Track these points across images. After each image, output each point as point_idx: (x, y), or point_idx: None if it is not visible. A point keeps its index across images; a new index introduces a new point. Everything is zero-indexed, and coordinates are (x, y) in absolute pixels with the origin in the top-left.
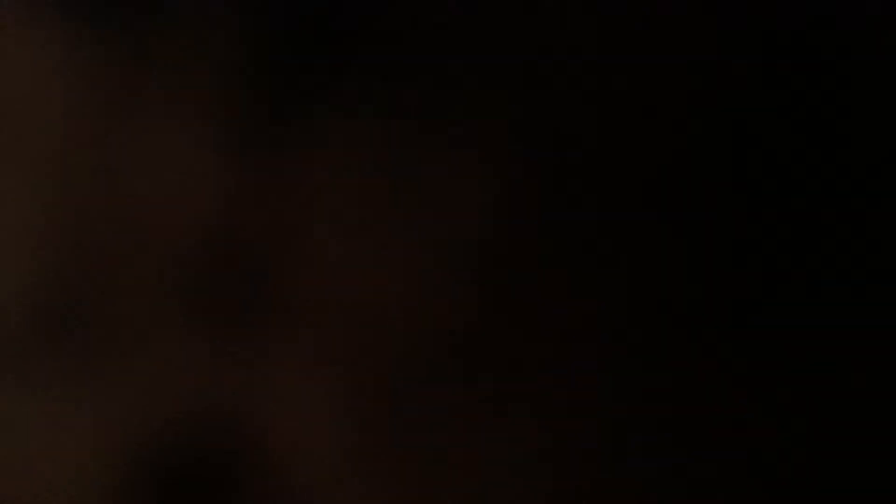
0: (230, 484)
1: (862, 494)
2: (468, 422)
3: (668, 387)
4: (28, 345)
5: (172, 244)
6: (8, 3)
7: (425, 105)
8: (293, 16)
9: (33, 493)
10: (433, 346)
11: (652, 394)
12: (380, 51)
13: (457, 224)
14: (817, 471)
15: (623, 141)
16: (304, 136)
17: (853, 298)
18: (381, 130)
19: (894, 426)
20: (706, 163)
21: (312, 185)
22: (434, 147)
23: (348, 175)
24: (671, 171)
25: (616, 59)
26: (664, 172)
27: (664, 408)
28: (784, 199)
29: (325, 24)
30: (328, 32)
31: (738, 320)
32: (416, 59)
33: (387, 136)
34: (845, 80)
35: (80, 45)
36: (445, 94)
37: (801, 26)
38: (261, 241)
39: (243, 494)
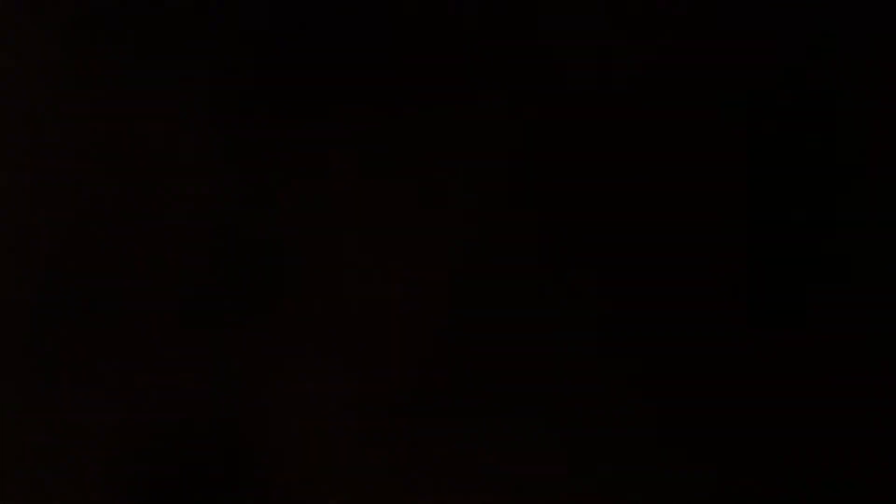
0: (230, 484)
1: (862, 494)
2: (470, 424)
3: (669, 387)
4: (29, 345)
5: (174, 245)
6: (8, 4)
7: (426, 107)
8: (293, 19)
9: (34, 492)
10: (434, 347)
11: (652, 394)
12: (380, 52)
13: (459, 227)
14: (817, 471)
15: (623, 142)
16: (305, 138)
17: (853, 298)
18: (382, 133)
19: (894, 426)
20: (706, 163)
21: (314, 188)
22: (434, 149)
23: (350, 178)
24: (671, 171)
25: (615, 60)
26: (664, 173)
27: (664, 408)
28: (789, 199)
29: (326, 28)
30: (329, 35)
31: (738, 321)
32: (416, 61)
33: (388, 139)
34: (851, 87)
35: (79, 47)
36: (444, 97)
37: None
38: (262, 243)
39: (243, 495)
